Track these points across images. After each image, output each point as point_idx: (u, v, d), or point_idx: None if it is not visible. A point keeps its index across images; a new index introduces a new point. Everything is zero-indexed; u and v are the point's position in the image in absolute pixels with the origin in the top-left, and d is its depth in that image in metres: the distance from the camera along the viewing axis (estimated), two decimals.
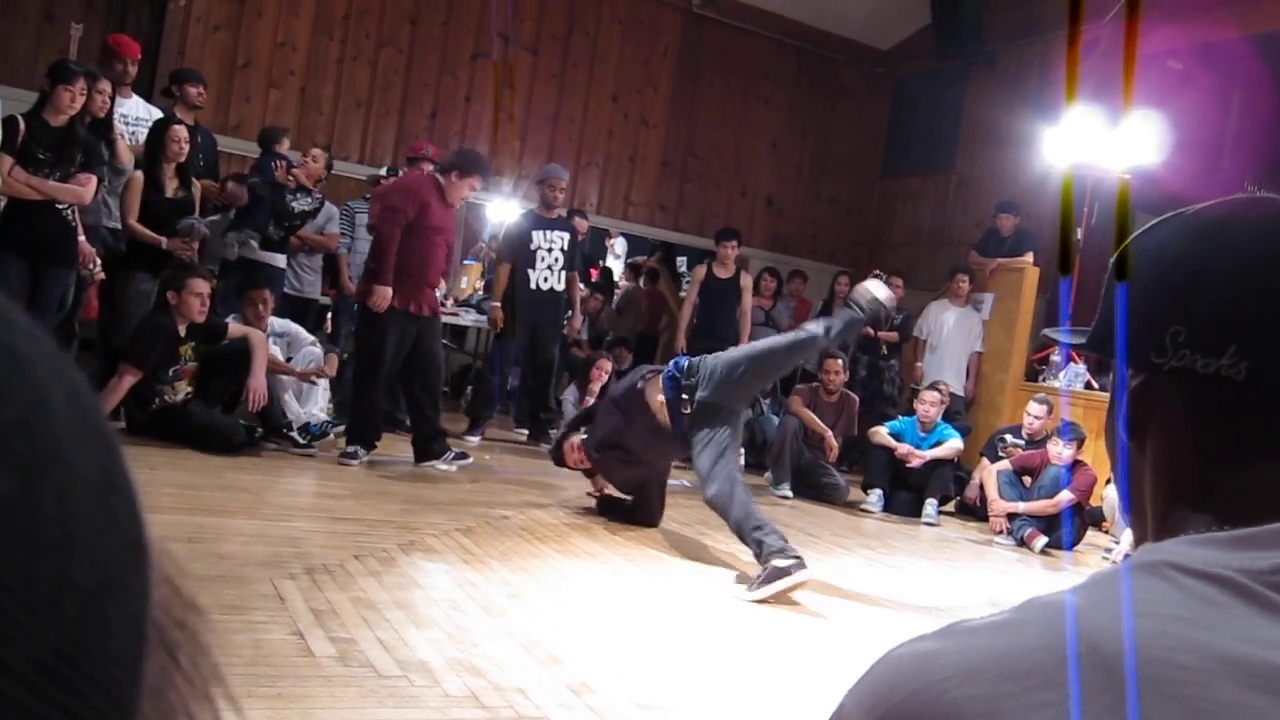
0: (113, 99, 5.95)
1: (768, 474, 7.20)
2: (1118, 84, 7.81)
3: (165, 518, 3.70)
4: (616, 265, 12.47)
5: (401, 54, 9.43)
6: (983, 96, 10.28)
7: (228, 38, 8.78)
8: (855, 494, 7.07)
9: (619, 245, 12.94)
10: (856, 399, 7.51)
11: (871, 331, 8.72)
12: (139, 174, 5.92)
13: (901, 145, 11.36)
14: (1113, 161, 7.46)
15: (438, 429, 5.88)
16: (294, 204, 6.91)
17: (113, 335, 5.95)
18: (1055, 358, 8.35)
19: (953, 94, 10.63)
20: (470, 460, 5.92)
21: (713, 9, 10.59)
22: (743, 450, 7.59)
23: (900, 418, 7.33)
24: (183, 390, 5.50)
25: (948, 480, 6.95)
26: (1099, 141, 7.44)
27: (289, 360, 5.97)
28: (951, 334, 8.59)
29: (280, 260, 6.96)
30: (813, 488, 7.05)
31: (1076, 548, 6.34)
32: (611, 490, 5.28)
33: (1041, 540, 6.19)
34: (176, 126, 6.01)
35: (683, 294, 9.70)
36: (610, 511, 5.22)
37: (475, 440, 7.03)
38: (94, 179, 5.48)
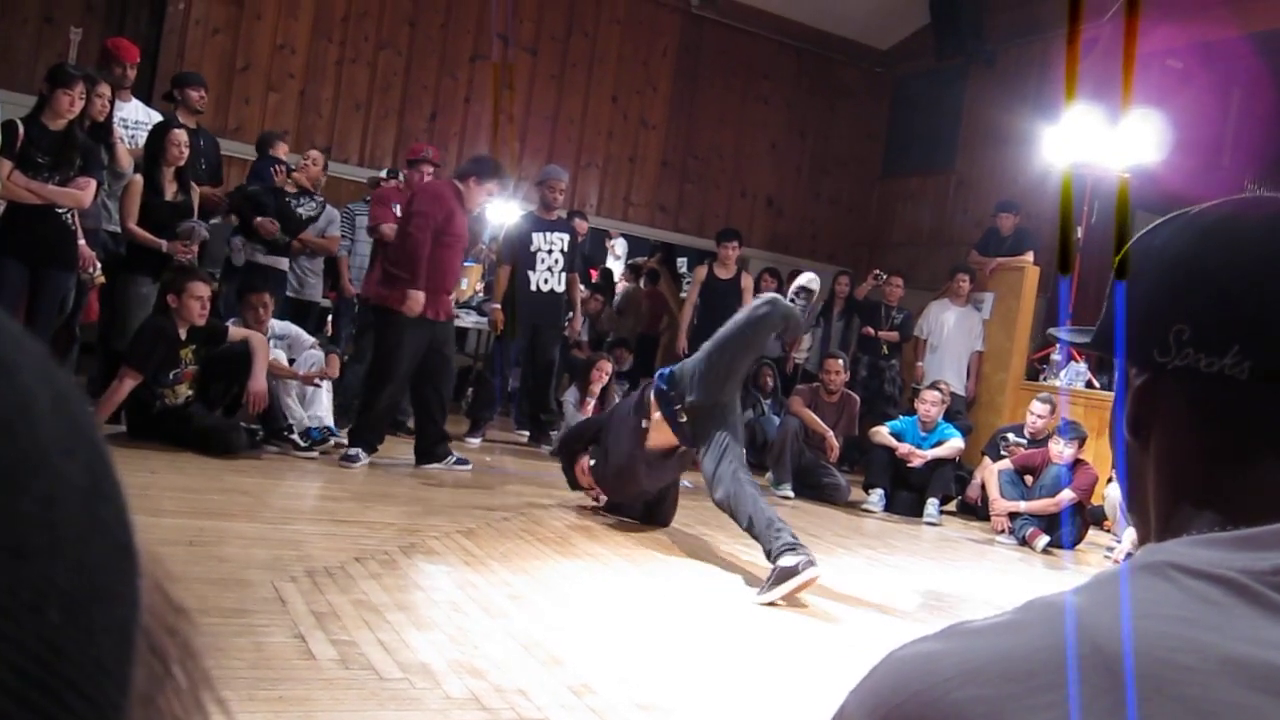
0: (112, 103, 5.95)
1: (769, 474, 7.20)
2: (1117, 83, 7.81)
3: (166, 521, 3.70)
4: (617, 266, 12.47)
5: (400, 56, 9.43)
6: (982, 96, 10.28)
7: (227, 40, 8.78)
8: (856, 494, 7.07)
9: (619, 246, 12.95)
10: (857, 399, 7.51)
11: (872, 331, 8.72)
12: (138, 178, 5.92)
13: (901, 145, 11.36)
14: (1112, 160, 7.46)
15: (443, 433, 5.90)
16: (300, 210, 6.91)
17: (113, 339, 5.95)
18: (1056, 357, 8.35)
19: (952, 94, 10.63)
20: (470, 466, 5.92)
21: (712, 9, 10.60)
22: (743, 450, 7.61)
23: (901, 417, 7.33)
24: (183, 393, 5.50)
25: (949, 480, 6.95)
26: (1099, 140, 7.44)
27: (291, 363, 5.97)
28: (952, 333, 8.59)
29: (283, 263, 6.96)
30: (814, 488, 7.05)
31: (1078, 547, 6.35)
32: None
33: (1043, 539, 6.18)
34: (176, 130, 6.01)
35: (683, 295, 9.71)
36: (618, 510, 5.22)
37: (476, 442, 7.03)
38: (93, 183, 5.48)
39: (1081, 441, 6.41)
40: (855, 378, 8.29)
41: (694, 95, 10.71)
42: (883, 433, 7.06)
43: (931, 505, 6.76)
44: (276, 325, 6.09)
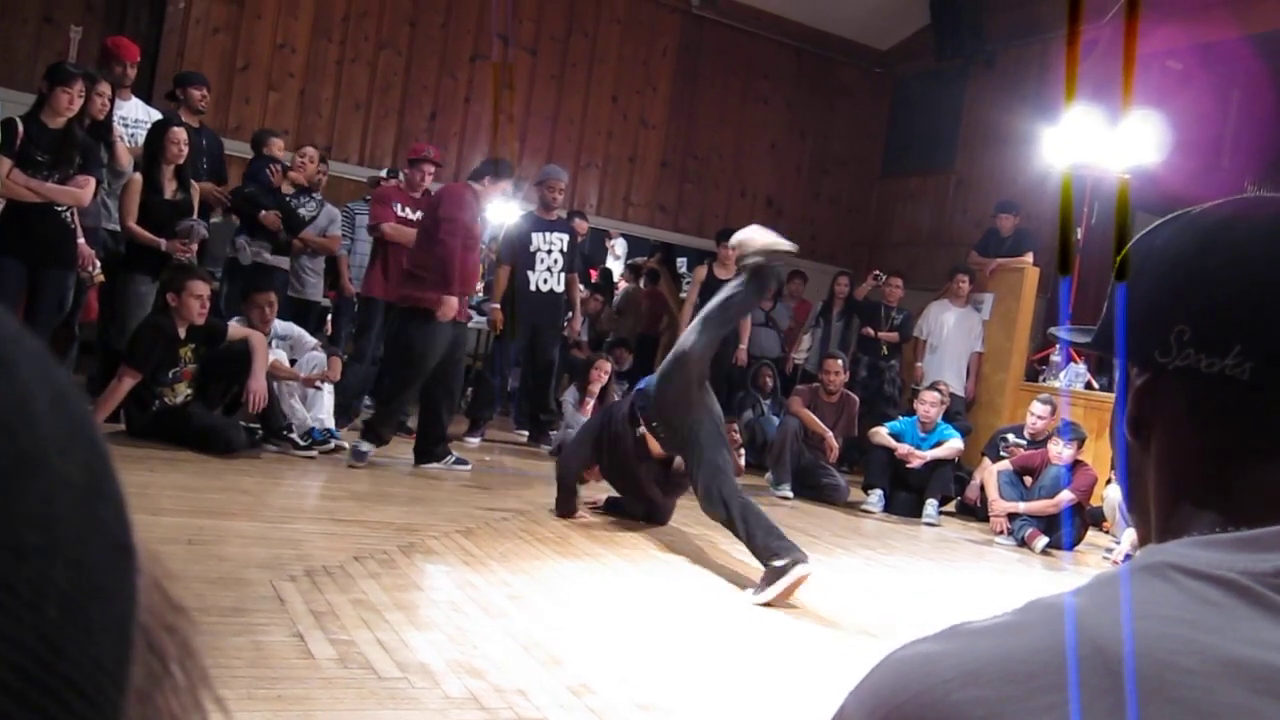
0: (112, 101, 5.95)
1: (768, 474, 7.20)
2: (1117, 84, 7.81)
3: (165, 520, 3.70)
4: (616, 266, 12.47)
5: (401, 56, 9.43)
6: (982, 96, 10.28)
7: (227, 40, 8.78)
8: (855, 494, 7.07)
9: (619, 246, 12.94)
10: (857, 399, 7.51)
11: (872, 332, 8.72)
12: (138, 176, 5.91)
13: (901, 145, 11.36)
14: (1112, 161, 7.46)
15: (444, 433, 5.91)
16: (301, 210, 6.92)
17: (112, 337, 5.95)
18: (1055, 358, 8.35)
19: (952, 94, 10.63)
20: (469, 466, 5.93)
21: (711, 9, 10.60)
22: (743, 451, 7.61)
23: (900, 418, 7.33)
24: (183, 392, 5.49)
25: (948, 480, 6.95)
26: (1098, 141, 7.43)
27: (292, 363, 5.97)
28: (951, 334, 8.59)
29: (284, 263, 6.97)
30: (813, 488, 7.05)
31: (1077, 548, 6.35)
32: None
33: (1042, 540, 6.18)
34: (175, 128, 6.00)
35: (683, 295, 9.70)
36: (616, 509, 5.23)
37: (475, 442, 7.03)
38: (92, 181, 5.48)
39: (1081, 443, 6.41)
40: (855, 378, 8.28)
41: (694, 95, 10.71)
42: (882, 433, 7.06)
43: (930, 506, 6.76)
44: (279, 326, 6.10)
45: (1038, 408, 6.84)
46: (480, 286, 9.03)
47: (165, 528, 3.56)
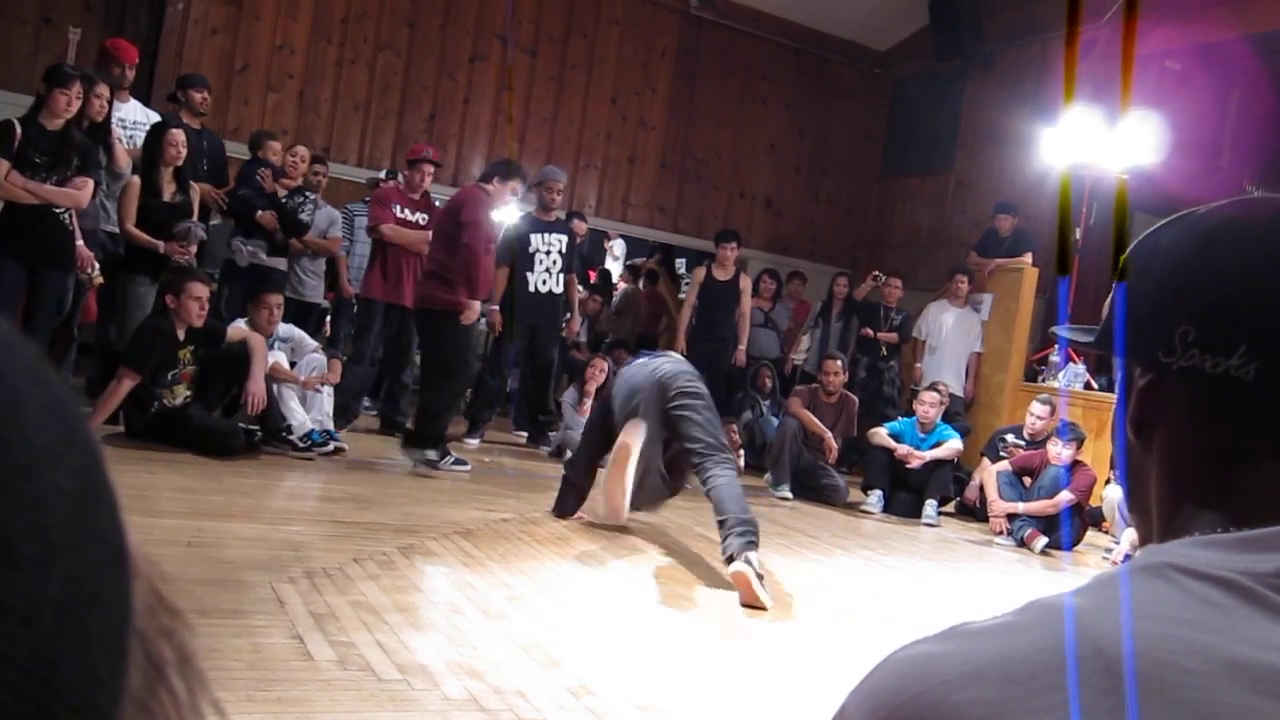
0: (110, 103, 5.95)
1: (767, 475, 7.20)
2: (1116, 84, 7.81)
3: (164, 521, 3.69)
4: (615, 267, 12.47)
5: (400, 57, 9.43)
6: (981, 97, 10.29)
7: (226, 41, 8.78)
8: (855, 495, 7.07)
9: (618, 247, 12.95)
10: (856, 400, 7.51)
11: (871, 332, 8.72)
12: (136, 178, 5.91)
13: (900, 146, 11.36)
14: (1111, 162, 7.46)
15: (444, 432, 5.96)
16: (301, 214, 6.92)
17: (111, 339, 5.95)
18: (1054, 358, 8.35)
19: (951, 94, 10.63)
20: (468, 467, 5.94)
21: (710, 10, 10.60)
22: (742, 451, 7.61)
23: (900, 418, 7.33)
24: (182, 394, 5.49)
25: (947, 481, 6.95)
26: (1097, 142, 7.44)
27: (293, 365, 5.97)
28: (950, 335, 8.59)
29: (281, 263, 6.97)
30: (812, 489, 7.05)
31: (1076, 548, 6.35)
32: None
33: (1041, 541, 6.19)
34: (174, 130, 6.00)
35: (682, 296, 9.71)
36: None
37: (475, 443, 7.03)
38: (90, 182, 5.47)
39: (1080, 443, 6.42)
40: (854, 379, 8.29)
41: (693, 96, 10.71)
42: (881, 434, 7.06)
43: (930, 506, 6.76)
44: (281, 328, 6.10)
45: (1037, 408, 6.84)
46: None
47: (164, 529, 3.56)
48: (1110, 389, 7.67)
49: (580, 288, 8.42)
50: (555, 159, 9.50)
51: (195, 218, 6.11)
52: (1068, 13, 7.94)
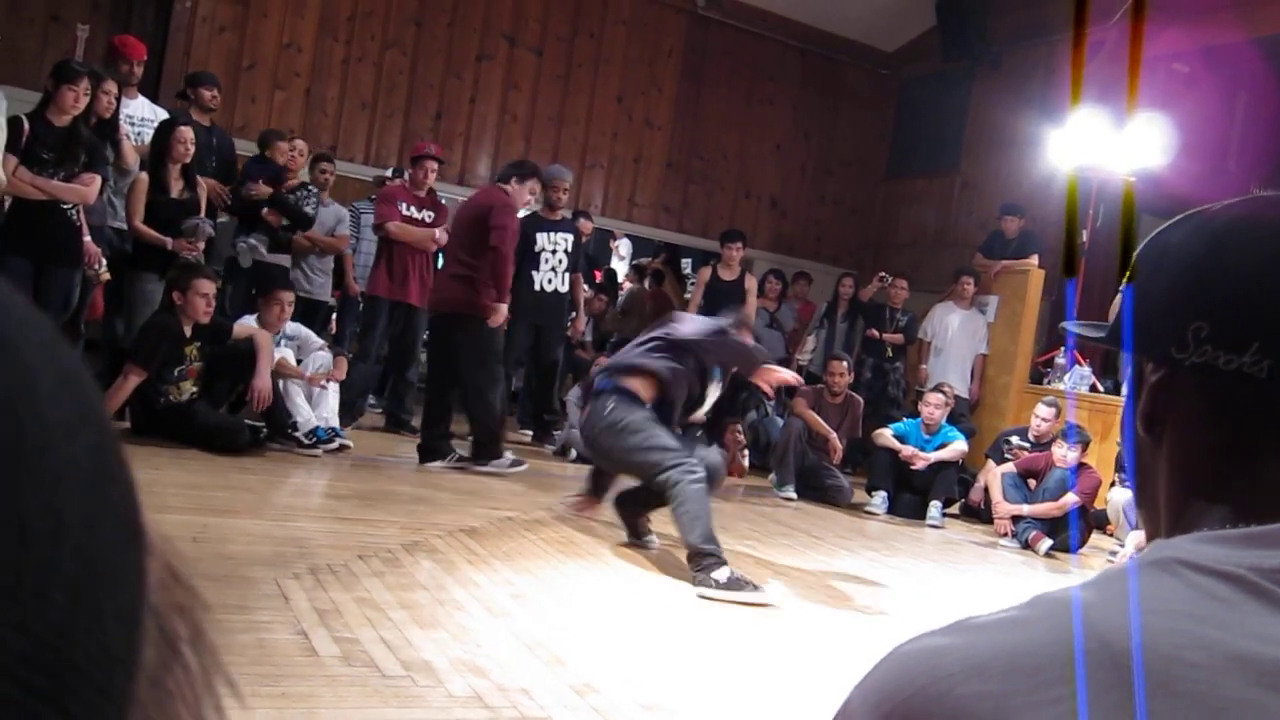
0: (118, 100, 5.96)
1: (772, 475, 7.20)
2: (1123, 86, 7.78)
3: (170, 517, 3.70)
4: (621, 267, 12.47)
5: (406, 55, 9.44)
6: (987, 98, 10.27)
7: (233, 39, 8.79)
8: (859, 496, 7.06)
9: (624, 247, 12.94)
10: (861, 401, 7.51)
11: (877, 333, 8.72)
12: (144, 175, 5.93)
13: (906, 147, 11.35)
14: (1118, 164, 7.45)
15: (449, 431, 6.02)
16: (305, 207, 6.93)
17: (118, 336, 5.96)
18: (1060, 360, 8.34)
19: (957, 96, 10.62)
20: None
21: (717, 11, 10.60)
22: (747, 451, 7.61)
23: (904, 420, 7.33)
24: (188, 390, 5.50)
25: (952, 482, 6.94)
26: (1104, 144, 7.42)
27: (299, 363, 5.98)
28: (956, 336, 8.58)
29: (286, 260, 6.99)
30: (817, 489, 7.05)
31: (1081, 551, 6.34)
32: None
33: (1046, 543, 6.18)
34: (182, 127, 6.02)
35: (687, 296, 9.70)
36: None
37: None
38: (98, 179, 5.49)
39: (1085, 445, 6.41)
40: (859, 380, 8.28)
41: (699, 96, 10.70)
42: (886, 435, 7.06)
43: (934, 508, 6.75)
44: (287, 326, 6.11)
45: (1043, 410, 6.83)
46: None
47: (170, 525, 3.56)
48: (1116, 392, 7.66)
49: (586, 287, 8.43)
50: (561, 158, 9.49)
51: (203, 214, 6.13)
52: (1074, 14, 7.88)
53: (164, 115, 6.46)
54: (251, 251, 6.70)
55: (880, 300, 8.90)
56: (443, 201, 7.38)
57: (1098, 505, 6.71)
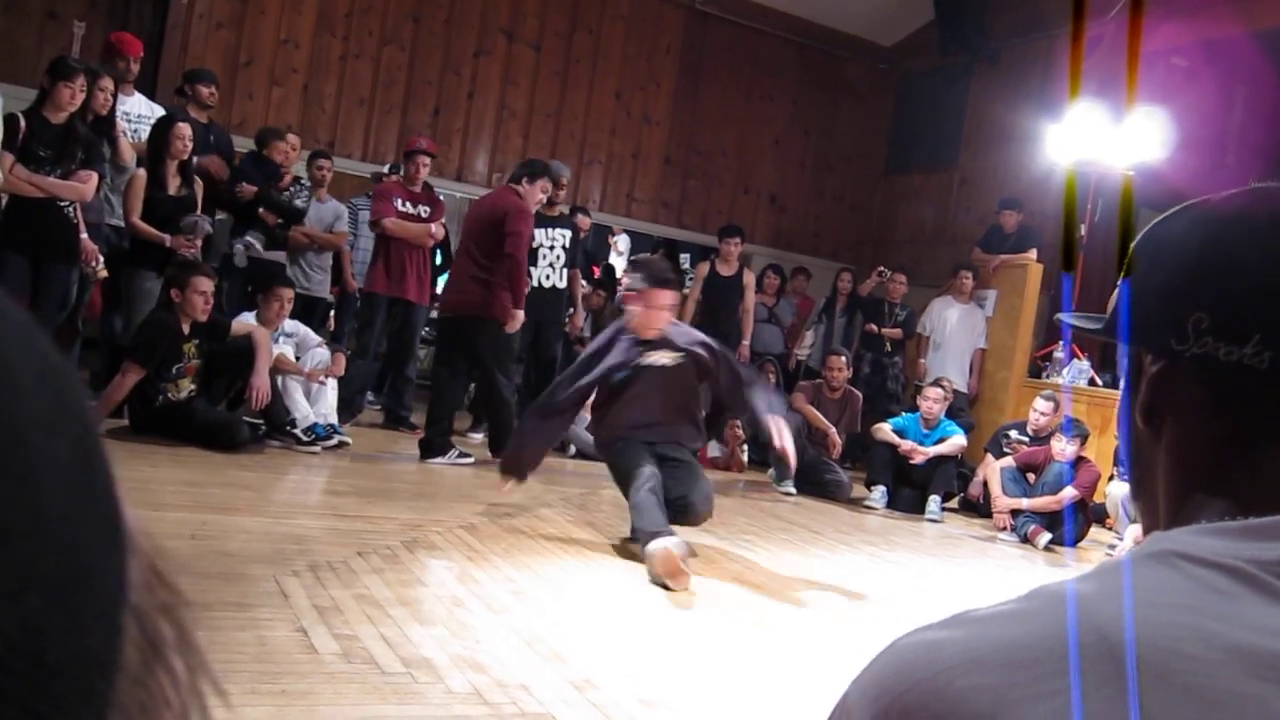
0: (115, 96, 5.95)
1: (771, 471, 7.20)
2: (1121, 81, 7.79)
3: (168, 515, 3.70)
4: (620, 262, 12.45)
5: (404, 51, 9.42)
6: (986, 93, 10.26)
7: (231, 35, 8.78)
8: (858, 490, 7.06)
9: (622, 243, 12.93)
10: (860, 396, 7.51)
11: (876, 328, 8.71)
12: (142, 172, 5.92)
13: (905, 142, 11.34)
14: (1116, 158, 7.45)
15: (451, 428, 6.09)
16: (297, 202, 6.93)
17: (117, 333, 5.96)
18: (1059, 354, 8.34)
19: (956, 90, 10.61)
20: (472, 460, 5.95)
21: (715, 6, 10.58)
22: (746, 447, 7.62)
23: (903, 414, 7.33)
24: (186, 388, 5.50)
25: (951, 477, 6.95)
26: (1102, 138, 7.42)
27: (297, 360, 5.98)
28: (955, 331, 8.58)
29: (282, 257, 6.98)
30: (816, 484, 7.05)
31: (1080, 545, 6.34)
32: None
33: (1045, 537, 6.18)
34: (180, 124, 6.01)
35: (686, 291, 9.70)
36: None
37: (479, 437, 7.03)
38: (95, 176, 5.48)
39: (1084, 439, 6.41)
40: (858, 375, 8.28)
41: (697, 91, 10.69)
42: (885, 430, 7.06)
43: (933, 502, 6.76)
44: (285, 323, 6.11)
45: (1041, 404, 6.83)
46: None
47: (168, 523, 3.56)
48: (1114, 386, 7.66)
49: (584, 283, 8.42)
50: (559, 154, 9.48)
51: (200, 211, 6.12)
52: (1073, 9, 7.92)
53: (160, 112, 6.45)
54: (247, 250, 6.70)
55: (879, 295, 8.90)
56: (439, 197, 7.37)
57: (1096, 499, 6.71)
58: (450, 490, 5.19)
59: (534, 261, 7.25)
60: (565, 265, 7.38)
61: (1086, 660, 0.46)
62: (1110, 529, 6.84)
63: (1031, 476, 6.55)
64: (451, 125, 9.62)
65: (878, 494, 6.90)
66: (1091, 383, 7.94)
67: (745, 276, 8.50)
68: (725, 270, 8.43)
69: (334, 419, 5.92)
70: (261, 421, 5.68)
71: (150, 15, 8.53)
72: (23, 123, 5.25)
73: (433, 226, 6.96)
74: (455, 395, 6.19)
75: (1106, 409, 7.48)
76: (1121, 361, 0.70)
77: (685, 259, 12.39)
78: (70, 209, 5.42)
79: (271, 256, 6.85)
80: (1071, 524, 6.23)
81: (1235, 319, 0.60)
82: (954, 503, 7.19)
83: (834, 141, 11.40)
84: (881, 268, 9.00)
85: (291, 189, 6.94)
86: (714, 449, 7.47)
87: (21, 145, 5.22)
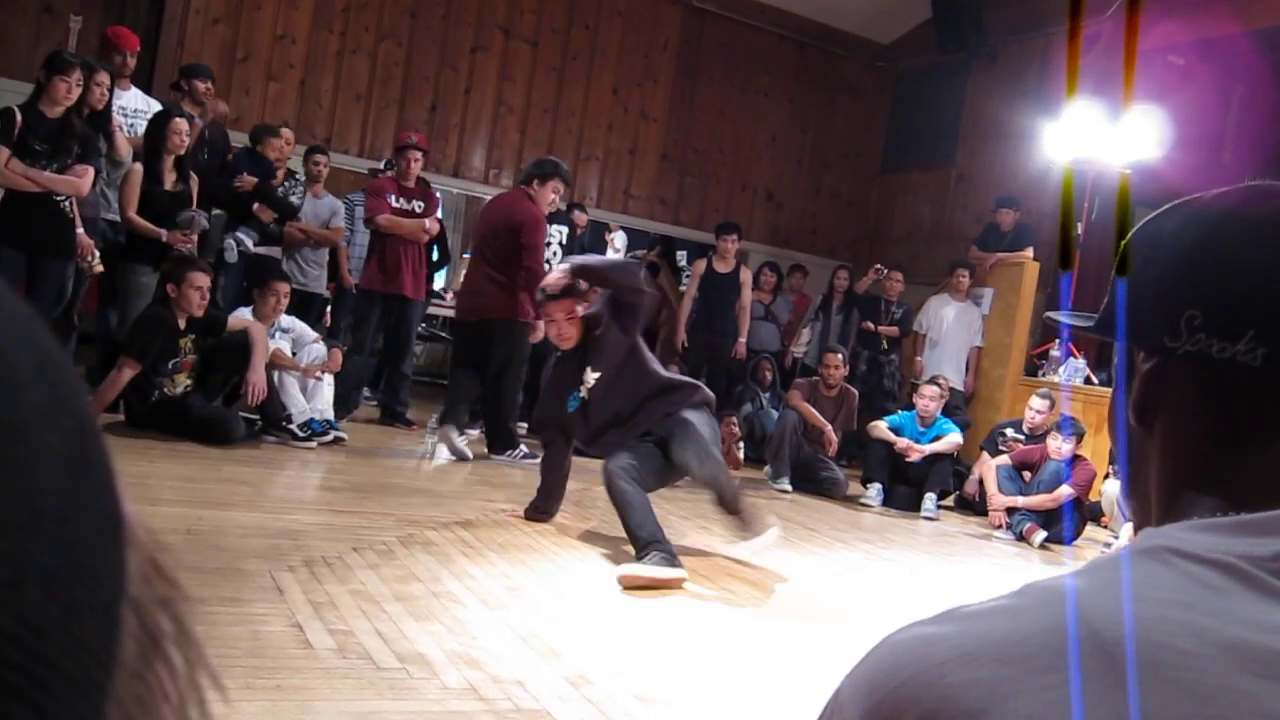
0: (111, 91, 5.94)
1: (767, 468, 7.20)
2: (1118, 79, 7.80)
3: (164, 510, 3.70)
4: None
5: (401, 47, 9.41)
6: (983, 91, 10.27)
7: (227, 30, 8.76)
8: (854, 488, 7.07)
9: (619, 239, 12.93)
10: (856, 393, 7.51)
11: (872, 326, 8.72)
12: (138, 166, 5.91)
13: (902, 139, 11.35)
14: (1113, 156, 7.45)
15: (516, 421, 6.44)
16: (292, 197, 6.92)
17: (113, 328, 5.95)
18: (1055, 352, 8.35)
19: (953, 88, 10.61)
20: (469, 456, 5.97)
21: (712, 3, 10.58)
22: (742, 444, 7.62)
23: (900, 412, 7.34)
24: (182, 383, 5.49)
25: (947, 475, 6.96)
26: (1099, 136, 7.43)
27: (294, 356, 5.98)
28: (951, 329, 8.59)
29: (277, 252, 6.97)
30: (812, 482, 7.05)
31: (1075, 542, 6.35)
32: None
33: (1040, 535, 6.19)
34: (177, 119, 6.00)
35: (682, 288, 9.70)
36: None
37: (475, 433, 7.02)
38: (91, 170, 5.47)
39: (1080, 437, 6.42)
40: (854, 372, 8.29)
41: (694, 88, 10.69)
42: (881, 427, 7.07)
43: (929, 500, 6.77)
44: (282, 318, 6.11)
45: (1036, 402, 6.84)
46: None
47: (164, 518, 3.56)
48: (1110, 384, 7.66)
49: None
50: (556, 150, 9.48)
51: (195, 206, 6.11)
52: (1070, 7, 7.92)
53: (157, 107, 6.43)
54: (239, 246, 6.68)
55: (875, 293, 8.91)
56: (434, 192, 7.36)
57: (1092, 497, 6.72)
58: (445, 486, 5.19)
59: None
60: (561, 262, 7.37)
61: (1079, 656, 0.46)
62: (1106, 527, 6.86)
63: (1027, 474, 6.56)
64: (448, 121, 9.61)
65: (873, 491, 6.90)
66: (1088, 381, 7.95)
67: (742, 274, 8.50)
68: (722, 267, 8.44)
69: (330, 415, 5.91)
70: (257, 417, 5.68)
71: (146, 10, 8.52)
72: (18, 117, 5.24)
73: (427, 222, 6.95)
74: (474, 394, 6.30)
75: (1102, 407, 7.48)
76: (1117, 358, 0.70)
77: (682, 256, 12.39)
78: (66, 203, 5.41)
79: (266, 252, 6.84)
80: (1068, 522, 6.24)
81: (1228, 316, 0.60)
82: (950, 500, 7.20)
83: (831, 139, 11.40)
84: (878, 265, 9.01)
85: (286, 184, 6.93)
86: None
87: (17, 139, 5.21)
